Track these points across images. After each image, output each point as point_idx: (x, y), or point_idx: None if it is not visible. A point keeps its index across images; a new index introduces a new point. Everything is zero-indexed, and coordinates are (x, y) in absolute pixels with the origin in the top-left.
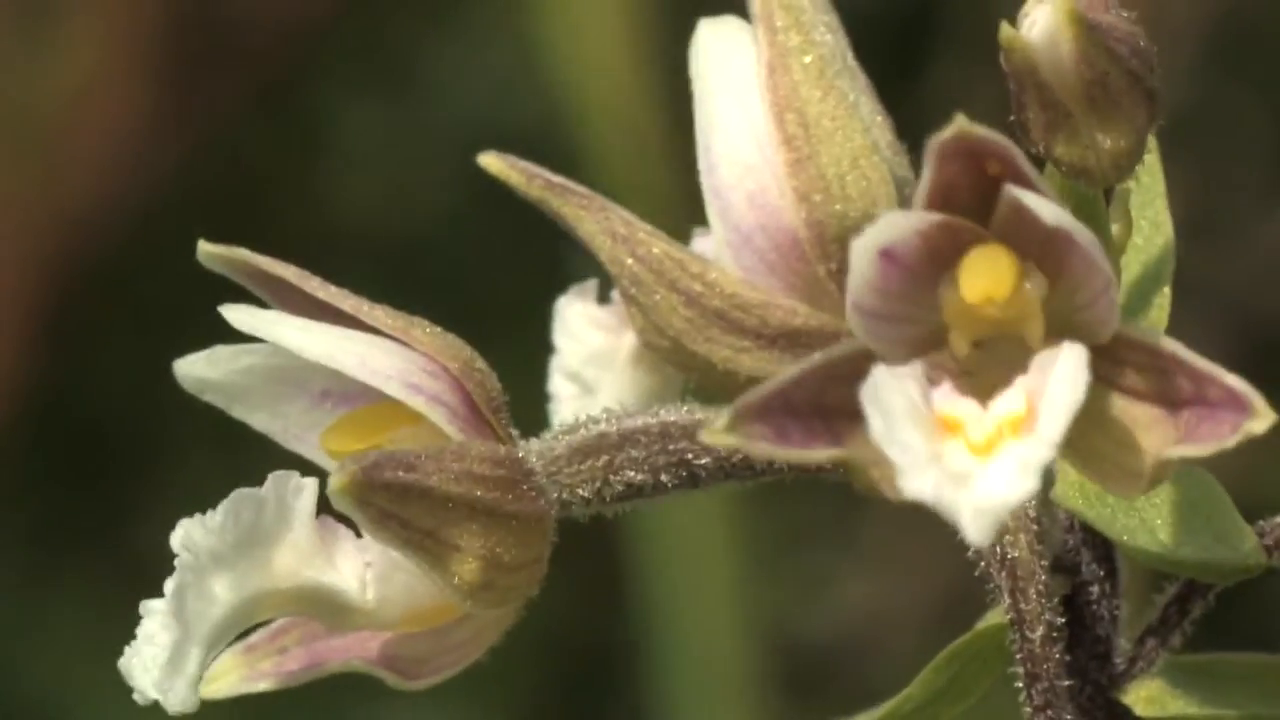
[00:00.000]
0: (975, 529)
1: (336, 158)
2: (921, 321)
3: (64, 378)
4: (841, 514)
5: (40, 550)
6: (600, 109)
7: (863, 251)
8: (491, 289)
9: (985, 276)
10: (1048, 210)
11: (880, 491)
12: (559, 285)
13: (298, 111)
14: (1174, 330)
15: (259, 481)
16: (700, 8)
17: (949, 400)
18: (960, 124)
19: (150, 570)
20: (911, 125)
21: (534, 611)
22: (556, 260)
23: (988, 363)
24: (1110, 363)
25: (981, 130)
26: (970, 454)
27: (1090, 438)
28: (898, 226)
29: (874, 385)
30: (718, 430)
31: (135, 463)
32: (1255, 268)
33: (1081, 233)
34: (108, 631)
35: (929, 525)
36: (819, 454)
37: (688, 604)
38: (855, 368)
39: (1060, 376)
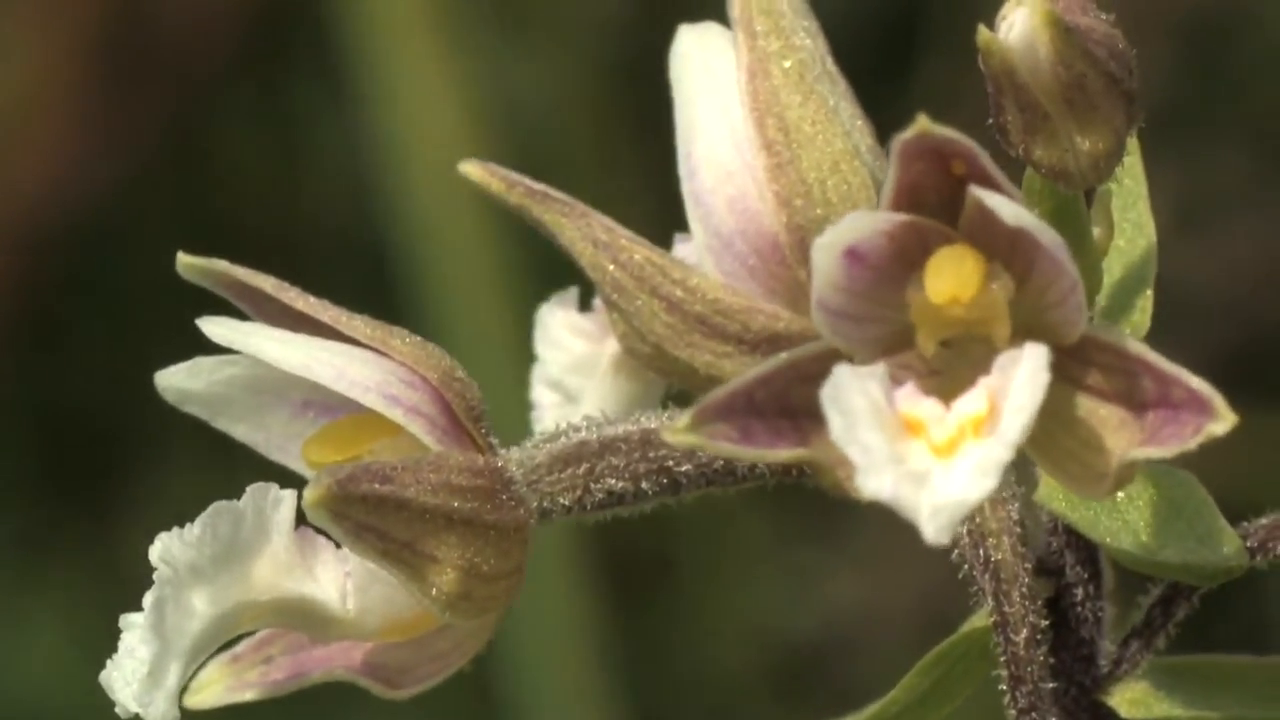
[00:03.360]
0: (933, 528)
1: (304, 154)
2: (889, 321)
3: (44, 383)
4: (829, 514)
5: (25, 557)
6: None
7: (826, 250)
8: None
9: (950, 277)
10: (1008, 210)
11: (846, 491)
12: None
13: (264, 106)
14: (1156, 330)
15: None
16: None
17: (912, 401)
18: (922, 124)
19: (137, 577)
20: (899, 129)
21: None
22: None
23: (955, 363)
24: (1078, 364)
25: (944, 130)
26: (932, 454)
27: (1058, 438)
28: (862, 226)
29: (835, 385)
30: (679, 429)
31: (119, 468)
32: (1237, 267)
33: (1044, 232)
34: (93, 638)
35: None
36: (783, 454)
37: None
38: (822, 367)
39: (1021, 377)
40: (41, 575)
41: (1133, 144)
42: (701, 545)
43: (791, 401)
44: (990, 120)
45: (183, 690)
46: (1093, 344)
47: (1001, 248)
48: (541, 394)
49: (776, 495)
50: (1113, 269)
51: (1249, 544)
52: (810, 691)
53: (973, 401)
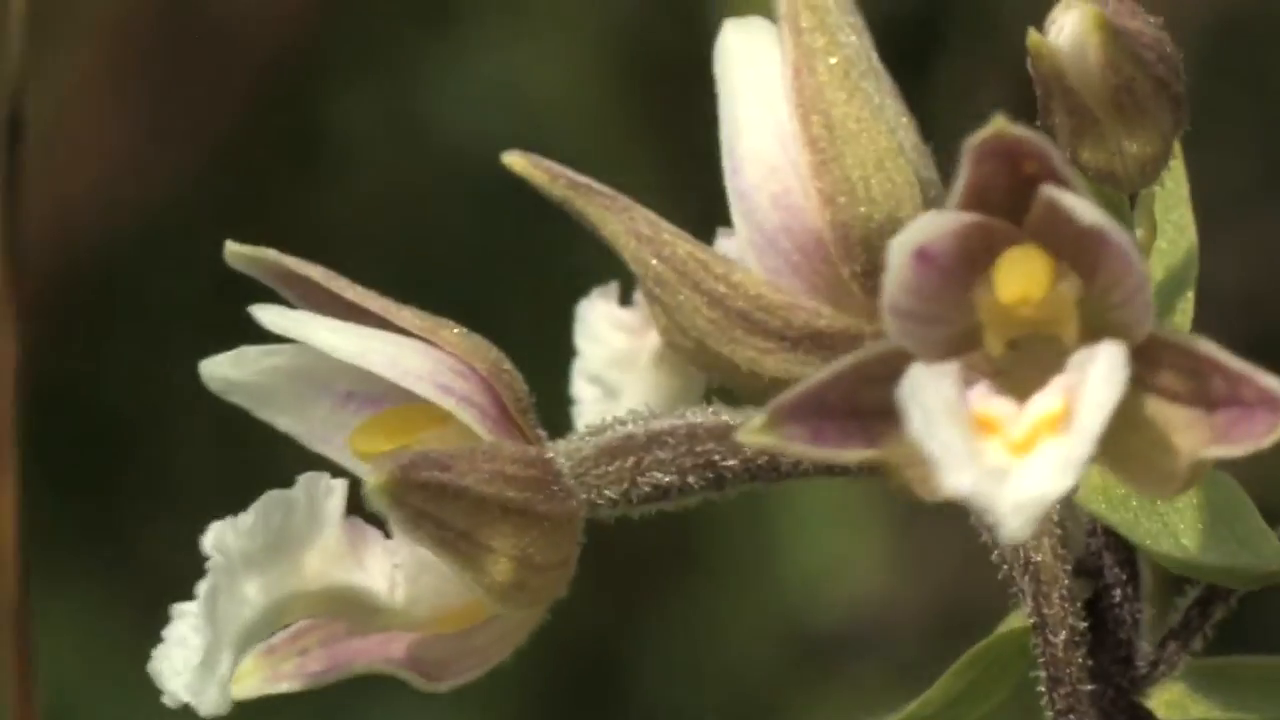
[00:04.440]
0: (1014, 525)
1: (336, 159)
2: (956, 322)
3: (64, 380)
4: (853, 503)
5: (38, 553)
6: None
7: (899, 252)
8: (501, 290)
9: (1020, 277)
10: (1085, 210)
11: (915, 493)
12: (574, 287)
13: (296, 111)
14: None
15: (263, 482)
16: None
17: (985, 400)
18: (999, 124)
19: (151, 572)
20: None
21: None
22: (571, 260)
23: (1023, 363)
24: (1144, 364)
25: (1019, 129)
26: (1008, 453)
27: (1124, 439)
28: (934, 227)
29: (912, 383)
30: (754, 430)
31: (135, 466)
32: (1254, 264)
33: (1117, 232)
34: (106, 633)
35: (940, 519)
36: (854, 454)
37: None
38: (889, 368)
39: (1099, 374)
40: (56, 572)
41: (1175, 147)
42: (722, 536)
43: (859, 403)
44: (1020, 118)
45: None
46: (1159, 344)
47: (1069, 247)
48: (582, 389)
49: (798, 488)
50: (1154, 271)
51: None
52: (829, 684)
53: (1048, 399)
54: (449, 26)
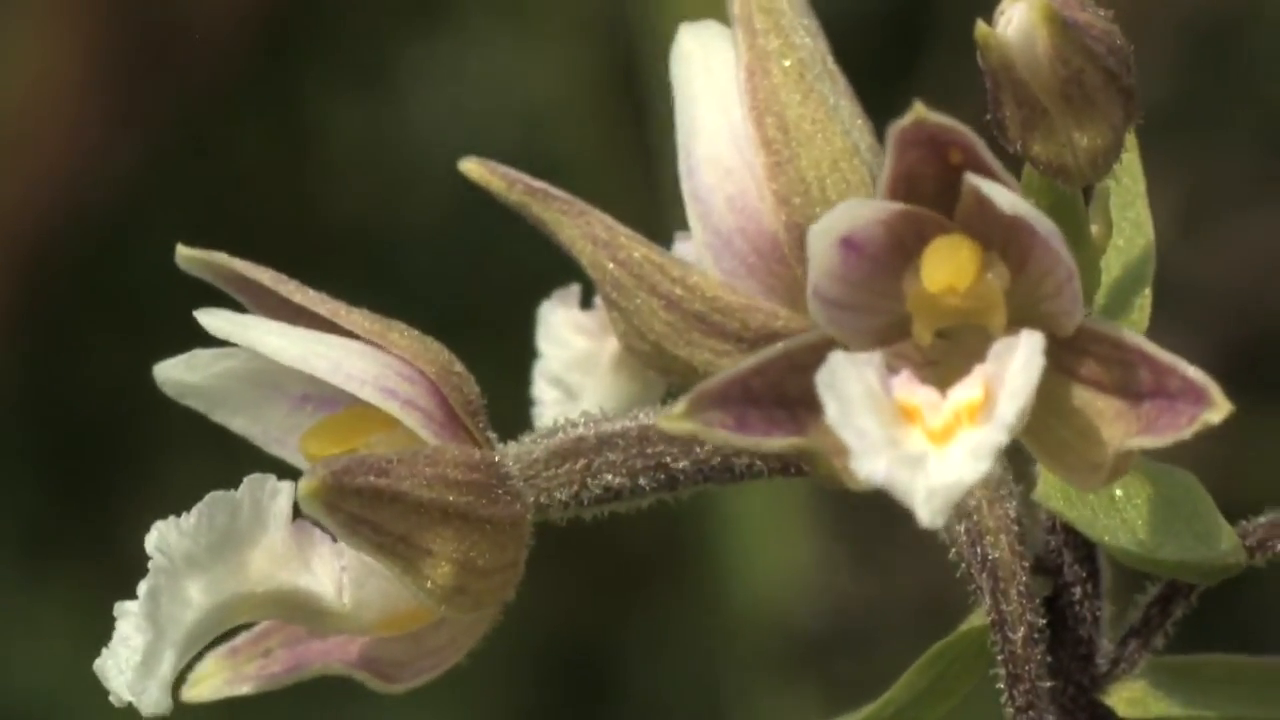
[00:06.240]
0: (927, 512)
1: (314, 153)
2: (885, 311)
3: (49, 380)
4: (836, 503)
5: (28, 553)
6: (580, 115)
7: (821, 238)
8: (478, 292)
9: (947, 266)
10: (1005, 198)
11: (841, 481)
12: (547, 288)
13: (273, 104)
14: (1156, 328)
15: None
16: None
17: (907, 388)
18: (918, 111)
19: (139, 573)
20: None
21: (532, 610)
22: (545, 263)
23: (951, 352)
24: (1074, 355)
25: (940, 118)
26: (927, 440)
27: (1054, 429)
28: (858, 214)
29: (830, 371)
30: (675, 416)
31: (124, 465)
32: (1240, 265)
33: (1041, 222)
34: (96, 634)
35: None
36: (779, 442)
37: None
38: (818, 357)
39: (1017, 363)
40: (46, 572)
41: (1131, 142)
42: (704, 537)
43: (787, 391)
44: (990, 116)
45: (180, 682)
46: (1089, 335)
47: (998, 237)
48: (542, 390)
49: (780, 488)
50: (1111, 268)
51: (1248, 542)
52: (813, 684)
53: (968, 389)
54: (434, 23)
